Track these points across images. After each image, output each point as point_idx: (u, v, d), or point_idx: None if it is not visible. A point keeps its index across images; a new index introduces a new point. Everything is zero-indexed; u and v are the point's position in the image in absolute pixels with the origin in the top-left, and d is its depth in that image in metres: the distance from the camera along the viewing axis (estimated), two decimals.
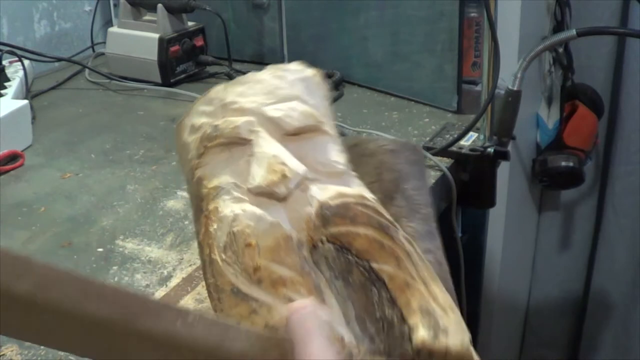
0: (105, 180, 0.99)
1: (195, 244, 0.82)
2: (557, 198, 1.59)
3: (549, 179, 1.40)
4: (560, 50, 1.38)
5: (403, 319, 0.44)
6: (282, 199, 0.46)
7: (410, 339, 0.44)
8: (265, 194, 0.46)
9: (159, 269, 0.77)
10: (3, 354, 0.63)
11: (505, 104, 1.00)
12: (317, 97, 0.52)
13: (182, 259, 0.79)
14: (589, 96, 1.42)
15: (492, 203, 1.05)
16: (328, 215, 0.46)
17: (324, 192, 0.47)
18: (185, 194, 0.94)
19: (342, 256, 0.45)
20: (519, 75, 0.99)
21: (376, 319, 0.44)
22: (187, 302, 0.69)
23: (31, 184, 0.98)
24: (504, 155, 1.01)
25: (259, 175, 0.46)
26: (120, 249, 0.81)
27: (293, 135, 0.49)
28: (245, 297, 0.44)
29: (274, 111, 0.49)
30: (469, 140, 1.02)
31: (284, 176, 0.46)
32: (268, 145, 0.48)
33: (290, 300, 0.43)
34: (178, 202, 0.92)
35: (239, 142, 0.49)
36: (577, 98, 1.41)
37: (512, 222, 1.38)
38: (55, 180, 0.99)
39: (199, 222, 0.49)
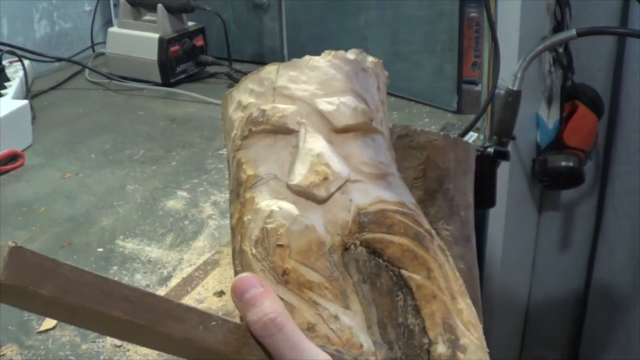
0: (105, 180, 0.99)
1: (195, 245, 0.82)
2: (557, 198, 1.59)
3: (549, 179, 1.40)
4: (560, 50, 1.38)
5: (424, 331, 0.44)
6: (320, 201, 0.45)
7: (428, 352, 0.44)
8: (305, 195, 0.45)
9: (159, 269, 0.77)
10: (3, 354, 0.63)
11: (505, 104, 1.00)
12: (372, 90, 0.51)
13: (182, 259, 0.79)
14: (589, 96, 1.42)
15: (492, 203, 1.04)
16: (365, 222, 0.45)
17: (363, 197, 0.46)
18: (185, 193, 0.94)
19: (373, 260, 0.45)
20: (519, 75, 0.99)
21: (398, 324, 0.44)
22: (187, 302, 0.69)
23: (31, 184, 0.98)
24: (504, 155, 1.00)
25: (300, 174, 0.45)
26: (120, 249, 0.81)
27: (341, 131, 0.48)
28: None
29: (325, 104, 0.47)
30: (469, 140, 1.02)
31: (326, 178, 0.45)
32: (314, 142, 0.46)
33: (315, 303, 0.43)
34: (178, 202, 0.92)
35: (284, 132, 0.47)
36: (577, 98, 1.41)
37: (512, 222, 1.38)
38: (55, 180, 0.99)
39: (234, 207, 0.48)
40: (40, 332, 0.66)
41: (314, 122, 0.47)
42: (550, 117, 1.45)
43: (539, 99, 1.43)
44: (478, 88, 1.20)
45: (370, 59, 0.52)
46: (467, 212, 0.55)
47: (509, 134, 1.02)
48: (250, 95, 0.49)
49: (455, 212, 0.54)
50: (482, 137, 1.02)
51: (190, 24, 1.40)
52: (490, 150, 0.99)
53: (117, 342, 0.65)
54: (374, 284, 0.45)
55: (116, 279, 0.76)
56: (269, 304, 0.41)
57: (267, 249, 0.44)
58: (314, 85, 0.48)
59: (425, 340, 0.44)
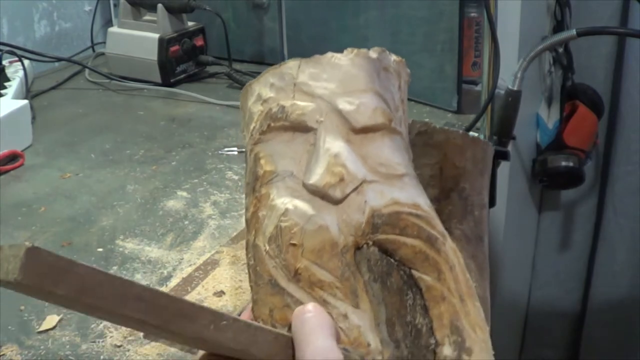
0: (105, 180, 0.99)
1: (195, 245, 0.82)
2: (557, 198, 1.59)
3: (549, 179, 1.40)
4: (560, 50, 1.38)
5: (432, 331, 0.45)
6: (335, 202, 0.45)
7: (434, 352, 0.44)
8: (320, 194, 0.45)
9: (159, 269, 0.77)
10: (3, 354, 0.63)
11: (505, 104, 1.00)
12: (393, 90, 0.50)
13: (182, 259, 0.79)
14: (589, 96, 1.42)
15: (492, 203, 1.05)
16: (379, 223, 0.45)
17: (378, 199, 0.46)
18: (185, 193, 0.94)
19: (385, 259, 0.45)
20: (519, 75, 0.99)
21: (406, 322, 0.45)
22: None
23: (31, 184, 0.98)
24: (504, 155, 1.01)
25: (317, 174, 0.45)
26: (120, 249, 0.81)
27: (359, 131, 0.47)
28: (281, 290, 0.44)
29: (344, 104, 0.47)
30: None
31: (342, 180, 0.45)
32: (331, 141, 0.46)
33: (325, 302, 0.44)
34: (178, 202, 0.92)
35: (303, 129, 0.47)
36: (577, 98, 1.41)
37: (512, 222, 1.38)
38: (55, 180, 0.99)
39: (249, 200, 0.48)
40: (40, 332, 0.66)
41: (332, 121, 0.47)
42: (550, 117, 1.45)
43: (539, 99, 1.43)
44: (478, 88, 1.20)
45: (393, 57, 0.51)
46: (481, 212, 0.55)
47: (509, 134, 1.02)
48: (271, 89, 0.49)
49: (470, 212, 0.54)
50: (482, 137, 1.02)
51: (190, 24, 1.40)
52: None
53: (117, 342, 0.65)
54: (384, 282, 0.45)
55: None
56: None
57: (280, 246, 0.45)
58: (335, 83, 0.48)
59: (432, 341, 0.45)
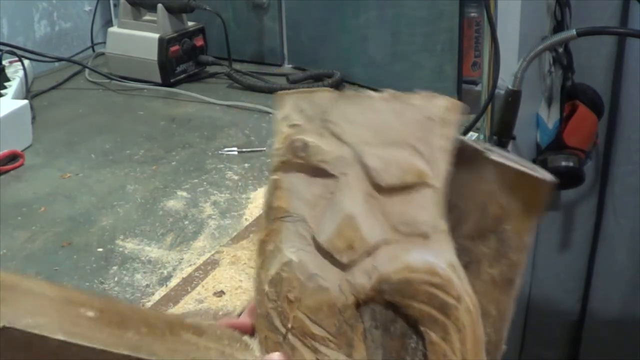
0: (105, 180, 0.99)
1: (195, 245, 0.82)
2: (557, 198, 1.59)
3: None
4: (560, 50, 1.38)
5: None
6: (341, 267, 0.43)
7: None
8: (327, 256, 0.44)
9: (159, 269, 0.77)
10: None
11: (505, 104, 1.00)
12: (433, 141, 0.46)
13: (182, 259, 0.79)
14: (589, 96, 1.42)
15: None
16: (385, 289, 0.43)
17: (391, 263, 0.43)
18: (185, 193, 0.94)
19: (391, 310, 0.44)
20: (519, 75, 0.99)
21: None
22: (187, 302, 0.70)
23: (31, 184, 0.98)
24: None
25: (326, 233, 0.43)
26: (120, 249, 0.81)
27: (384, 190, 0.44)
28: (275, 329, 0.44)
29: (373, 158, 0.43)
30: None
31: (350, 247, 0.43)
32: (349, 198, 0.43)
33: (317, 350, 0.43)
34: (178, 202, 0.92)
35: (323, 175, 0.45)
36: (577, 98, 1.41)
37: None
38: (55, 180, 0.99)
39: (264, 224, 0.47)
40: None
41: (356, 174, 0.44)
42: (550, 117, 1.45)
43: (539, 99, 1.43)
44: (478, 88, 1.20)
45: (442, 102, 0.47)
46: (519, 255, 0.50)
47: (509, 134, 1.02)
48: (300, 115, 0.46)
49: (505, 255, 0.50)
50: (482, 137, 1.02)
51: (190, 24, 1.40)
52: None
53: None
54: (387, 329, 0.44)
55: (116, 279, 0.76)
56: None
57: (279, 293, 0.44)
58: (367, 130, 0.44)
59: None
